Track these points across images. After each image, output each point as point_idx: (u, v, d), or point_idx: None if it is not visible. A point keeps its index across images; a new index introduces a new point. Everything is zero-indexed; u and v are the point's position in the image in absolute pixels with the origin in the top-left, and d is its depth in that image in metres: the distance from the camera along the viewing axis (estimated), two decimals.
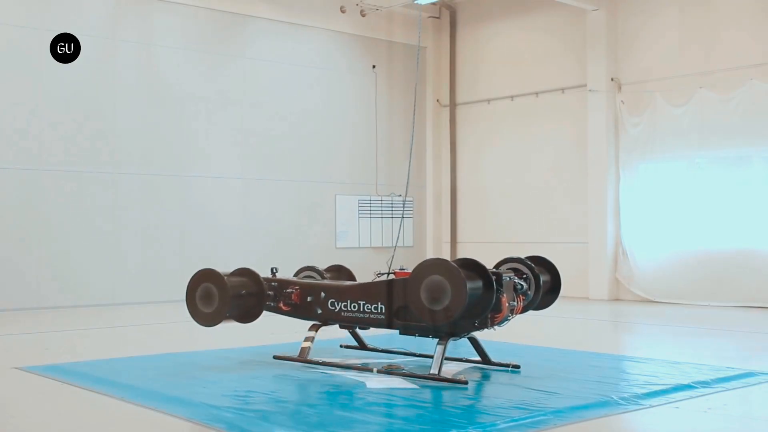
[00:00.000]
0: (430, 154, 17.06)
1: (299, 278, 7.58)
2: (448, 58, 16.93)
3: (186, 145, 13.82)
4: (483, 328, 6.41)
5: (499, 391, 5.89)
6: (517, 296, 6.47)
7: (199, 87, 14.02)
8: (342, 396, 5.71)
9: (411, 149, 10.52)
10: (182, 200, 13.75)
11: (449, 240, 16.64)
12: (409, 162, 10.37)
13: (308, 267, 7.87)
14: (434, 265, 6.14)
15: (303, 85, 15.32)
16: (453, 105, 16.88)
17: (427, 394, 5.81)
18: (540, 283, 6.86)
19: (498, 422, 4.87)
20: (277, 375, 6.58)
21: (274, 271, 7.43)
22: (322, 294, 7.03)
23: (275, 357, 7.32)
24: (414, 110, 10.69)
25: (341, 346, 7.97)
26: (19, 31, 12.24)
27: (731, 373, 6.53)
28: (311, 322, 7.23)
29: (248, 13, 14.59)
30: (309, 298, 7.09)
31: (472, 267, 6.15)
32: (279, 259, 14.56)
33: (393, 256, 9.59)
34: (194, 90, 13.95)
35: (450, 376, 6.26)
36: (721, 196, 12.74)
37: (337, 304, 6.94)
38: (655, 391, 5.82)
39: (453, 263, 6.07)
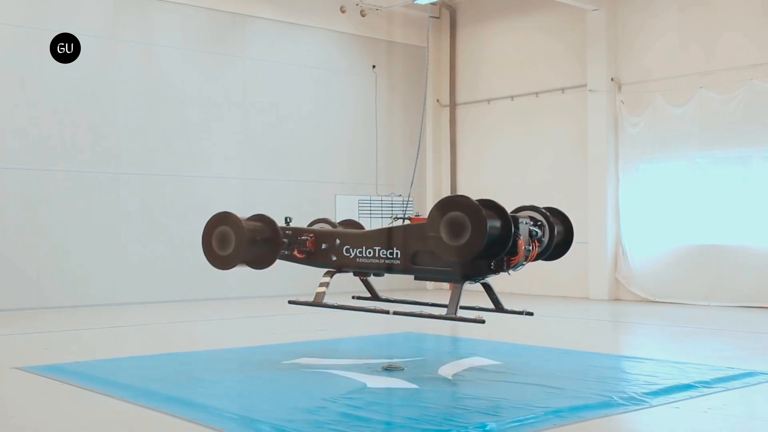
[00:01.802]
0: (430, 154, 17.06)
1: None
2: (448, 58, 16.94)
3: (186, 144, 13.82)
4: (499, 272, 6.45)
5: (499, 391, 5.89)
6: (533, 242, 6.54)
7: (199, 87, 14.02)
8: (342, 396, 5.70)
9: (418, 150, 10.52)
10: (182, 200, 13.74)
11: None
12: (416, 162, 10.41)
13: (321, 219, 7.88)
14: (455, 202, 6.19)
15: (303, 85, 15.32)
16: (453, 105, 16.88)
17: (427, 394, 5.81)
18: (554, 233, 6.92)
19: (498, 422, 4.87)
20: (277, 375, 6.58)
21: (288, 220, 7.43)
22: (337, 241, 7.03)
23: (290, 302, 7.36)
24: (423, 110, 10.69)
25: (353, 298, 7.95)
26: (19, 31, 12.24)
27: (731, 373, 6.53)
28: (324, 272, 7.19)
29: (248, 13, 14.59)
30: (324, 246, 7.08)
31: (491, 207, 6.22)
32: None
33: (406, 204, 9.66)
34: (194, 90, 13.95)
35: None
36: (721, 196, 12.74)
37: (352, 251, 6.95)
38: (655, 391, 5.82)
39: (474, 200, 6.12)
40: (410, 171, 12.46)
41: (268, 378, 6.47)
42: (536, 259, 6.76)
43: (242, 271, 14.16)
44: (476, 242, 5.97)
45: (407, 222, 6.92)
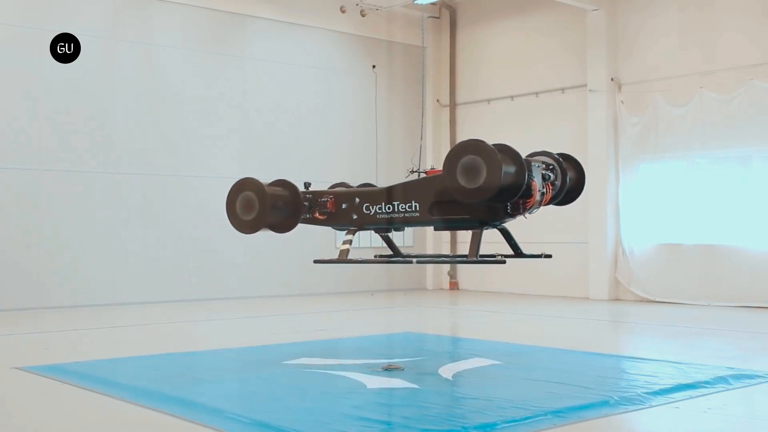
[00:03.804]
0: (430, 154, 17.04)
1: None
2: (448, 58, 16.93)
3: (186, 144, 13.82)
4: (515, 215, 6.62)
5: (499, 391, 5.89)
6: (546, 185, 6.68)
7: (199, 87, 14.02)
8: (342, 396, 5.70)
9: (421, 139, 10.64)
10: (182, 200, 13.74)
11: (449, 240, 16.63)
12: (420, 146, 10.57)
13: (339, 183, 8.08)
14: (470, 145, 6.36)
15: (303, 85, 15.31)
16: (453, 105, 16.88)
17: (427, 394, 5.81)
18: (567, 178, 7.02)
19: (498, 422, 4.87)
20: (277, 375, 6.58)
21: (308, 185, 7.56)
22: (357, 200, 7.20)
23: (315, 261, 7.56)
24: (422, 108, 10.74)
25: (375, 257, 8.02)
26: (19, 31, 12.24)
27: (731, 373, 6.53)
28: (346, 231, 7.34)
29: (248, 13, 14.59)
30: (344, 205, 7.27)
31: (505, 151, 6.34)
32: (279, 257, 14.59)
33: (420, 155, 9.90)
34: (194, 90, 13.95)
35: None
36: (721, 196, 12.73)
37: (372, 208, 7.14)
38: (655, 391, 5.82)
39: (489, 144, 6.25)
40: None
41: (269, 378, 6.47)
42: (549, 203, 6.86)
43: (242, 271, 14.22)
44: (491, 184, 6.10)
45: (423, 175, 7.06)
